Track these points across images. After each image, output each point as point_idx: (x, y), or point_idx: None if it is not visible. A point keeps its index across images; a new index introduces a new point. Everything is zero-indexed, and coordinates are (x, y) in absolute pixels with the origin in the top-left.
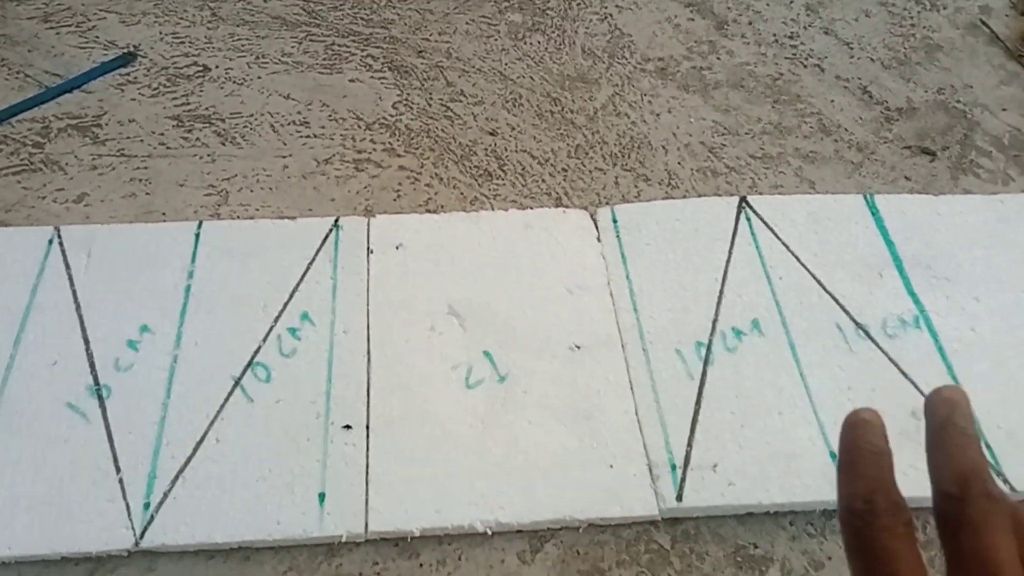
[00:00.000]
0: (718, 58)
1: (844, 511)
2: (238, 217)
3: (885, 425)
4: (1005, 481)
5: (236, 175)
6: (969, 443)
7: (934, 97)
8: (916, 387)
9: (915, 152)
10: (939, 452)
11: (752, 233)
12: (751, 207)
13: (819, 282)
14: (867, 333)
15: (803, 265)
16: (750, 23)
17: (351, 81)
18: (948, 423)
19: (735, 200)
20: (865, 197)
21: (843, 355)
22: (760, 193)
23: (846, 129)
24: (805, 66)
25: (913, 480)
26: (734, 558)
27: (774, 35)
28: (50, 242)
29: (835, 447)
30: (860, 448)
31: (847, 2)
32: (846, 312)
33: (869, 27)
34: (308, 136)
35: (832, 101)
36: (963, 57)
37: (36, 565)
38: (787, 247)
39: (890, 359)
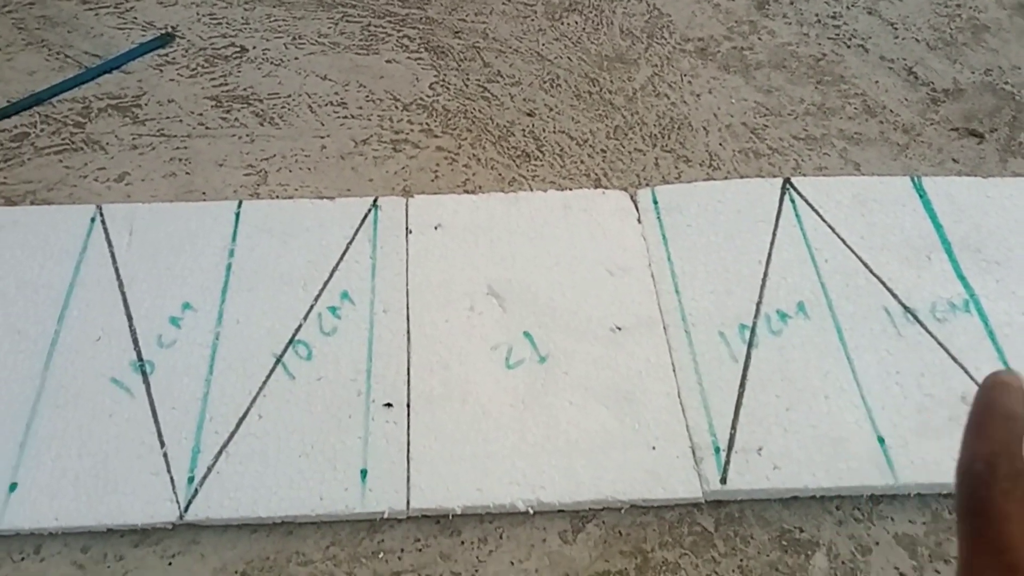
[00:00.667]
0: (759, 38)
1: (963, 471)
2: (277, 197)
3: None
4: None
5: (275, 155)
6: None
7: (981, 78)
8: (966, 372)
9: (963, 134)
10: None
11: (796, 215)
12: (795, 188)
13: (866, 265)
14: (915, 317)
15: (849, 248)
16: (791, 3)
17: (388, 62)
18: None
19: (779, 181)
20: (912, 179)
21: (891, 339)
22: (804, 175)
23: (891, 110)
24: (848, 46)
25: None
26: (779, 542)
27: (816, 15)
28: (92, 220)
29: (882, 432)
30: (993, 409)
31: None
32: (894, 295)
33: (914, 7)
34: (346, 117)
35: (877, 82)
36: (1010, 38)
37: (82, 536)
38: (832, 229)
39: (939, 343)
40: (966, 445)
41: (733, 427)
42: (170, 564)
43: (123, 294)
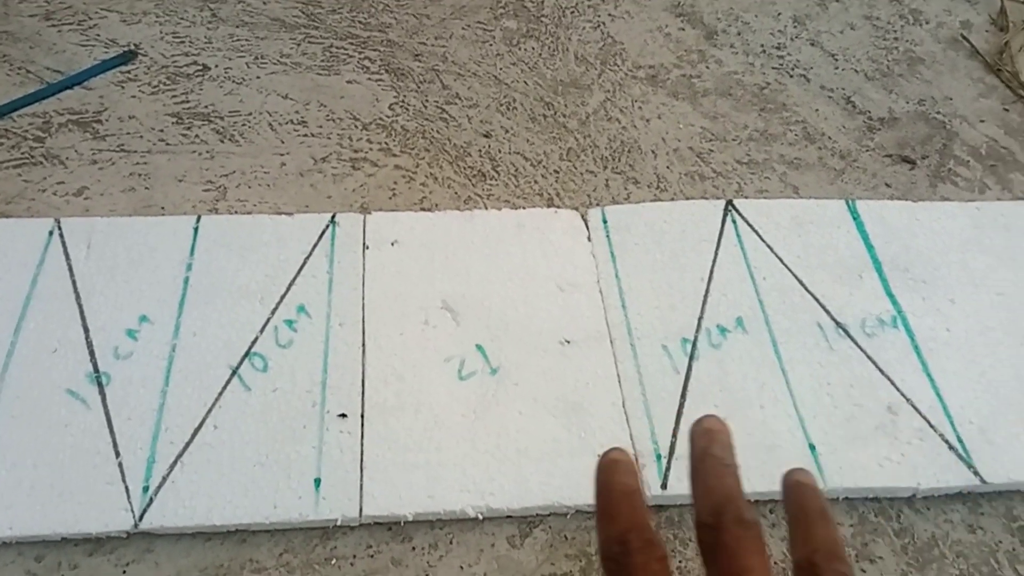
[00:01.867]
0: (707, 67)
1: (602, 557)
2: (236, 212)
3: (637, 462)
4: (976, 474)
5: (234, 171)
6: (726, 472)
7: (915, 108)
8: (893, 383)
9: (896, 160)
10: (698, 482)
11: (737, 235)
12: (737, 210)
13: (801, 283)
14: (846, 332)
15: (786, 266)
16: (739, 34)
17: (348, 82)
18: (706, 454)
19: (721, 203)
20: (847, 202)
21: (823, 352)
22: (746, 197)
23: (830, 137)
24: (791, 76)
25: (888, 471)
26: None
27: (762, 46)
28: (50, 233)
29: (813, 439)
30: (612, 490)
31: (833, 15)
32: (827, 311)
33: (854, 40)
34: (306, 135)
35: (817, 110)
36: (944, 70)
37: (37, 545)
38: (771, 249)
39: (868, 357)
40: (599, 532)
41: (674, 435)
42: (124, 572)
43: (80, 307)
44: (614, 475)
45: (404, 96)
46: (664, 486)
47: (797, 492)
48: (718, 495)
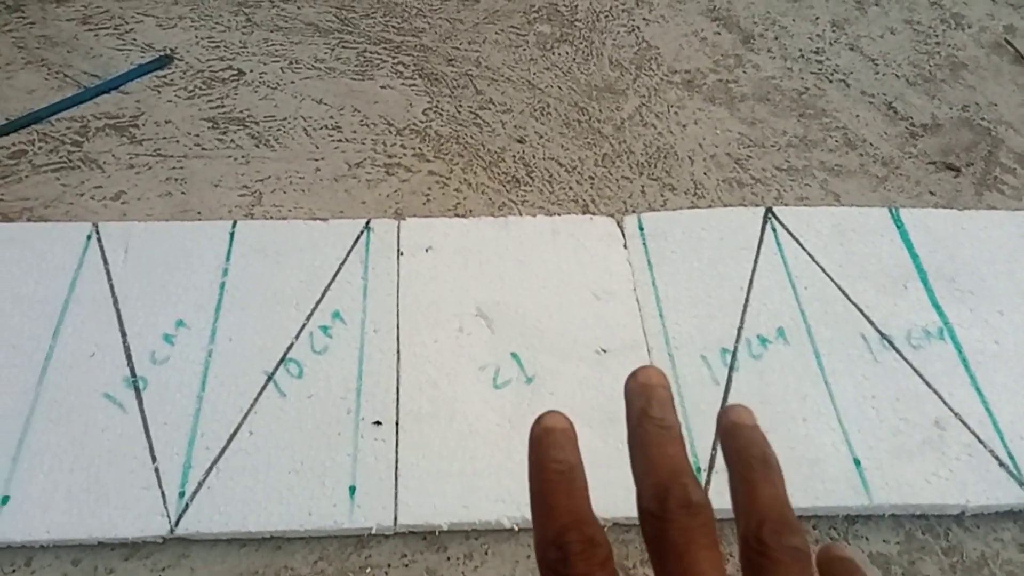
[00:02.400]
0: (744, 71)
1: (539, 562)
2: (271, 217)
3: (572, 425)
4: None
5: (270, 176)
6: (668, 438)
7: (959, 114)
8: (940, 397)
9: (940, 168)
10: (638, 455)
11: (778, 243)
12: (777, 218)
13: (844, 292)
14: (891, 343)
15: (828, 275)
16: (776, 38)
17: (382, 87)
18: (644, 416)
19: (761, 211)
20: (890, 210)
21: (867, 364)
22: (786, 205)
23: (871, 144)
24: (831, 81)
25: (936, 488)
26: None
27: (800, 50)
28: (88, 237)
29: (858, 454)
30: (544, 472)
31: (873, 19)
32: (871, 322)
33: (894, 44)
34: (340, 140)
35: (857, 116)
36: (987, 75)
37: (73, 549)
38: (812, 257)
39: (914, 369)
40: (534, 525)
41: (714, 448)
42: None
43: (118, 311)
44: (547, 449)
45: (438, 101)
46: None
47: (734, 438)
48: (661, 472)
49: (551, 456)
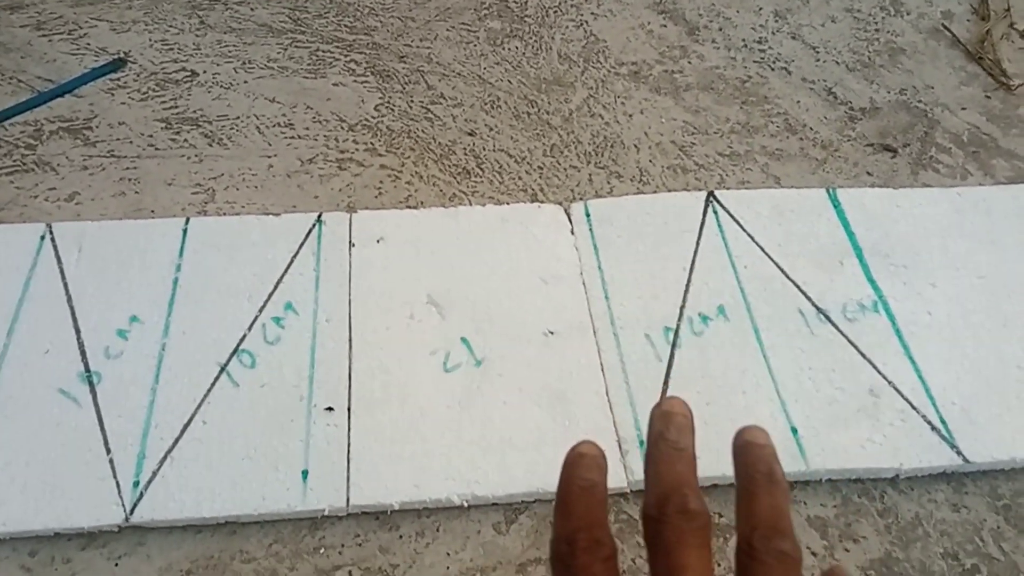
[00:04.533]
0: (689, 62)
1: (550, 556)
2: (224, 214)
3: (604, 454)
4: (959, 453)
5: (223, 174)
6: (678, 458)
7: (896, 97)
8: (874, 367)
9: (877, 149)
10: (649, 468)
11: (719, 225)
12: (718, 201)
13: (782, 270)
14: (828, 317)
15: (767, 255)
16: (720, 29)
17: (335, 85)
18: (660, 438)
19: (703, 194)
20: (828, 191)
21: (804, 338)
22: (728, 189)
23: (811, 128)
24: (773, 69)
25: (869, 452)
26: None
27: (743, 40)
28: (42, 238)
29: (795, 423)
30: (571, 485)
31: (814, 8)
32: (808, 298)
33: (835, 32)
34: (293, 137)
35: (798, 102)
36: (925, 60)
37: (30, 540)
38: (752, 238)
39: (849, 341)
40: (553, 527)
41: None
42: (116, 565)
43: (72, 308)
44: (576, 469)
45: (389, 97)
46: None
47: (744, 455)
48: (665, 483)
49: (579, 474)
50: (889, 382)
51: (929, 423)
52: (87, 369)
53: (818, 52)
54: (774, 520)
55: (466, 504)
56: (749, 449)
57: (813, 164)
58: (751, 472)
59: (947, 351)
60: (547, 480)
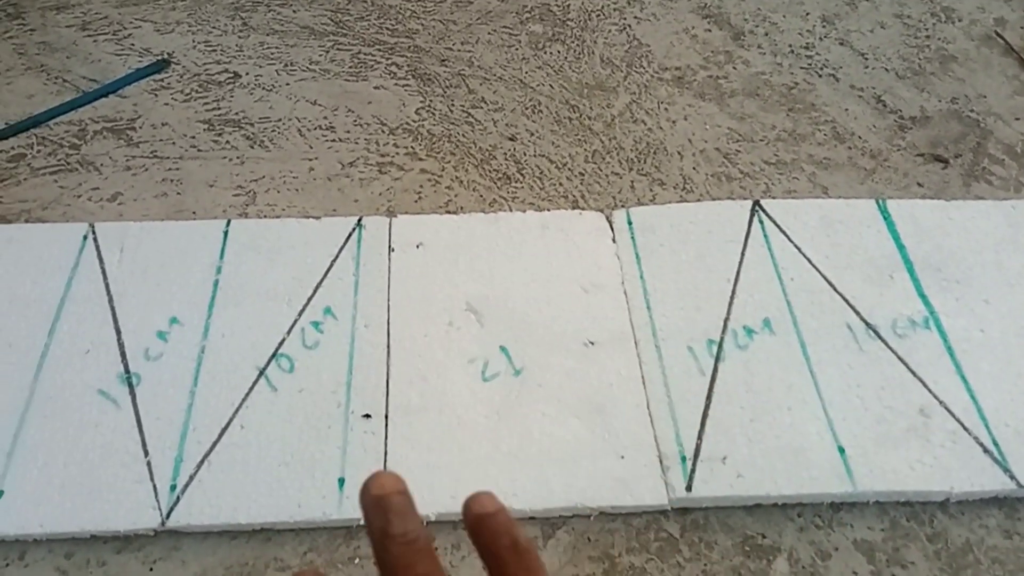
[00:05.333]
0: (734, 67)
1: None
2: (265, 216)
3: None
4: (1012, 478)
5: (264, 176)
6: (414, 555)
7: (948, 106)
8: (925, 385)
9: (928, 160)
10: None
11: (765, 236)
12: (764, 211)
13: (830, 283)
14: (877, 333)
15: (814, 267)
16: (766, 34)
17: (376, 88)
18: (385, 536)
19: (748, 203)
20: (877, 202)
21: (853, 354)
22: (773, 198)
23: (860, 137)
24: (820, 76)
25: (919, 474)
26: (742, 547)
27: (790, 46)
28: (85, 238)
29: (843, 442)
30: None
31: (863, 14)
32: (856, 312)
33: (884, 38)
34: (333, 140)
35: (846, 110)
36: (977, 68)
37: (66, 542)
38: (799, 249)
39: (899, 358)
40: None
41: (699, 437)
42: (151, 570)
43: (112, 309)
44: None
45: (430, 101)
46: (689, 488)
47: (480, 531)
48: None
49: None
50: (940, 402)
51: (981, 445)
52: (127, 371)
53: (867, 59)
54: None
55: None
56: (482, 522)
57: (862, 174)
58: (494, 549)
59: (1000, 370)
60: (586, 495)
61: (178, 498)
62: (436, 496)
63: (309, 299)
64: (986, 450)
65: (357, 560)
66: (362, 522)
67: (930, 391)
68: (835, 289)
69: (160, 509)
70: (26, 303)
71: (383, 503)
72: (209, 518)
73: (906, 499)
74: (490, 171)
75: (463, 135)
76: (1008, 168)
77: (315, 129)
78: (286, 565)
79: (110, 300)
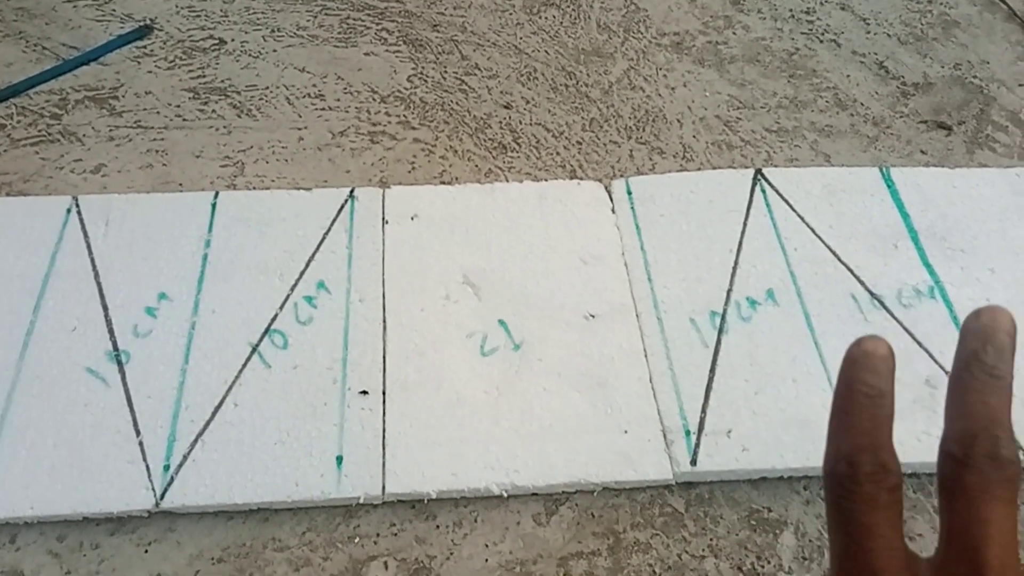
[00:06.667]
0: (734, 33)
1: (826, 474)
2: (254, 188)
3: (893, 354)
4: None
5: (252, 147)
6: (993, 387)
7: (951, 72)
8: (931, 355)
9: (931, 127)
10: (955, 399)
11: (767, 205)
12: (766, 179)
13: (834, 253)
14: (882, 303)
15: (818, 236)
16: None
17: (366, 55)
18: (974, 359)
19: (750, 172)
20: (881, 170)
21: (858, 324)
22: (775, 166)
23: (862, 103)
24: (821, 41)
25: (926, 446)
26: (748, 521)
27: (790, 10)
28: (68, 211)
29: None
30: (852, 392)
31: None
32: (861, 282)
33: (886, 3)
34: (323, 109)
35: (848, 76)
36: (980, 33)
37: (58, 525)
38: (802, 218)
39: (904, 328)
40: (829, 439)
41: (703, 410)
42: (146, 551)
43: (99, 284)
44: (860, 372)
45: (422, 68)
46: (694, 462)
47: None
48: (974, 419)
49: (863, 379)
50: (946, 372)
51: None
52: (115, 348)
53: (868, 24)
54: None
55: (505, 494)
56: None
57: (864, 141)
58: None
59: None
60: (589, 470)
61: (172, 478)
62: (436, 473)
63: (302, 273)
64: None
65: (357, 539)
66: (362, 501)
67: (936, 362)
68: (839, 259)
69: (154, 490)
70: (9, 279)
71: (987, 332)
72: (204, 498)
73: (912, 471)
74: (485, 140)
75: (457, 103)
76: (1012, 135)
77: (304, 97)
78: (284, 545)
79: (96, 275)
